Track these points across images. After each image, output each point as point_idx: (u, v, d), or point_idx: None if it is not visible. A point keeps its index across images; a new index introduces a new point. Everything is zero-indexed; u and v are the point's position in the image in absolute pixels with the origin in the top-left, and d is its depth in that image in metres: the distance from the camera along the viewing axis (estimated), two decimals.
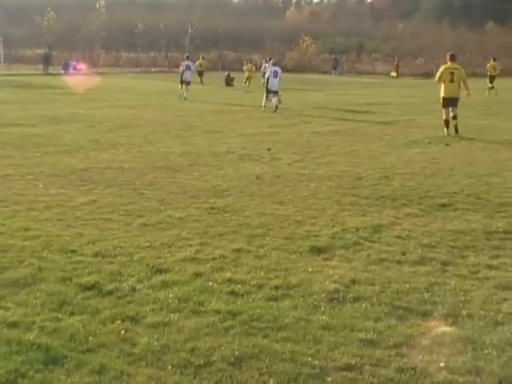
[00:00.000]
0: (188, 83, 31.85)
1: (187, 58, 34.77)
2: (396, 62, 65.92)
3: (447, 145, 16.30)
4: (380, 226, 8.55)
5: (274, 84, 25.74)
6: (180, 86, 31.94)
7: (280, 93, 26.00)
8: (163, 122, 20.74)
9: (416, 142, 16.85)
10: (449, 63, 18.49)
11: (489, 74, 37.47)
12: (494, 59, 38.39)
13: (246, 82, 44.05)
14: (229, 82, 45.22)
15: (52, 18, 75.58)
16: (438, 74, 18.74)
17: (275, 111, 25.01)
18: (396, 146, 16.03)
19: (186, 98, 30.48)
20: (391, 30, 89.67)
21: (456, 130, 18.00)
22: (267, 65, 36.82)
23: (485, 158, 14.46)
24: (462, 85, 18.42)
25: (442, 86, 18.34)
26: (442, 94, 18.38)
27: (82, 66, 57.82)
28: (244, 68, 48.93)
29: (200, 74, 43.51)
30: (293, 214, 9.14)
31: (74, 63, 59.54)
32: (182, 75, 32.15)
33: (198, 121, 21.20)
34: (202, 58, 47.93)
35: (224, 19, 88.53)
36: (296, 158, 14.01)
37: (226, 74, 46.66)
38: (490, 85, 36.51)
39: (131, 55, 78.18)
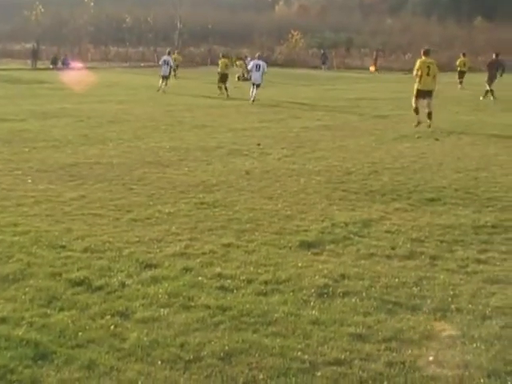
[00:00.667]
0: (164, 77, 32.38)
1: (168, 53, 35.21)
2: (375, 56, 65.53)
3: (436, 139, 16.36)
4: (369, 220, 8.58)
5: (255, 77, 26.97)
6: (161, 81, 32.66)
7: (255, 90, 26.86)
8: (152, 116, 20.69)
9: (406, 136, 16.89)
10: (423, 57, 19.00)
11: (458, 69, 37.46)
12: (464, 54, 38.26)
13: (239, 79, 44.81)
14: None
15: (40, 12, 75.02)
16: (416, 67, 19.11)
17: (252, 103, 25.98)
18: (385, 141, 16.06)
19: (164, 91, 31.10)
20: (380, 24, 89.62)
21: (429, 125, 18.42)
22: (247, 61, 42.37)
23: (473, 152, 14.52)
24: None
25: (418, 78, 18.77)
26: (417, 87, 18.82)
27: (79, 65, 57.02)
28: (237, 63, 49.32)
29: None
30: (282, 208, 9.15)
31: (63, 58, 59.07)
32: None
33: (188, 116, 21.16)
34: (178, 52, 47.99)
35: (213, 14, 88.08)
36: (285, 152, 14.01)
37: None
38: (458, 80, 36.86)
39: (120, 50, 77.70)
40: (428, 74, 18.63)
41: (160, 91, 31.11)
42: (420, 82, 18.70)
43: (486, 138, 17.04)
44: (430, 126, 18.36)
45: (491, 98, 28.08)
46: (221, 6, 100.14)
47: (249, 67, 28.11)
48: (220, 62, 31.06)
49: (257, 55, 30.11)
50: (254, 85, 26.86)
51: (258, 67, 27.11)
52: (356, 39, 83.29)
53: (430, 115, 18.58)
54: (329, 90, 35.34)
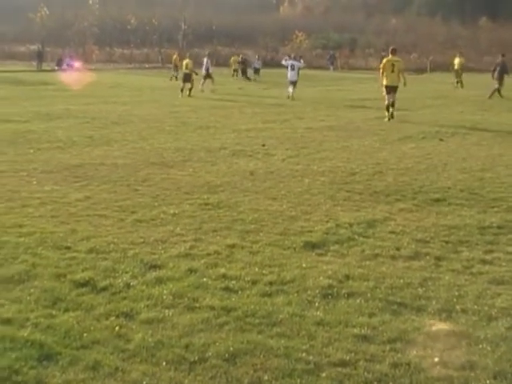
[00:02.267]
0: (204, 77, 33.74)
1: (208, 54, 36.11)
2: (383, 54, 65.28)
3: (441, 140, 16.33)
4: (374, 221, 8.57)
5: (290, 75, 29.93)
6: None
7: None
8: (157, 118, 20.70)
9: (410, 137, 16.86)
10: (390, 56, 20.77)
11: (458, 69, 37.62)
12: (461, 54, 38.76)
13: (233, 75, 46.69)
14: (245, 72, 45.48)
15: (45, 14, 75.21)
16: (381, 66, 20.97)
17: (289, 98, 28.40)
18: (390, 142, 16.04)
19: (212, 90, 32.53)
20: (384, 24, 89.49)
21: (392, 115, 20.39)
22: (256, 60, 47.77)
23: (478, 152, 14.49)
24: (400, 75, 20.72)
25: (385, 75, 20.50)
26: (384, 83, 20.63)
27: (77, 64, 57.08)
28: (231, 60, 49.88)
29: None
30: (287, 209, 9.14)
31: (68, 59, 59.07)
32: None
33: (192, 116, 21.17)
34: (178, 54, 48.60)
35: (217, 15, 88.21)
36: (290, 153, 14.00)
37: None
38: (456, 79, 37.24)
39: (124, 51, 77.73)
40: (393, 71, 20.43)
41: (206, 91, 31.95)
42: (386, 78, 20.45)
43: (491, 137, 17.01)
44: (392, 115, 20.19)
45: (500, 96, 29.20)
46: (225, 7, 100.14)
47: (284, 63, 30.87)
48: (184, 63, 32.19)
49: (292, 56, 33.42)
50: (291, 83, 29.41)
51: (292, 67, 30.02)
52: (360, 39, 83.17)
53: (393, 104, 20.41)
54: (333, 91, 35.30)
